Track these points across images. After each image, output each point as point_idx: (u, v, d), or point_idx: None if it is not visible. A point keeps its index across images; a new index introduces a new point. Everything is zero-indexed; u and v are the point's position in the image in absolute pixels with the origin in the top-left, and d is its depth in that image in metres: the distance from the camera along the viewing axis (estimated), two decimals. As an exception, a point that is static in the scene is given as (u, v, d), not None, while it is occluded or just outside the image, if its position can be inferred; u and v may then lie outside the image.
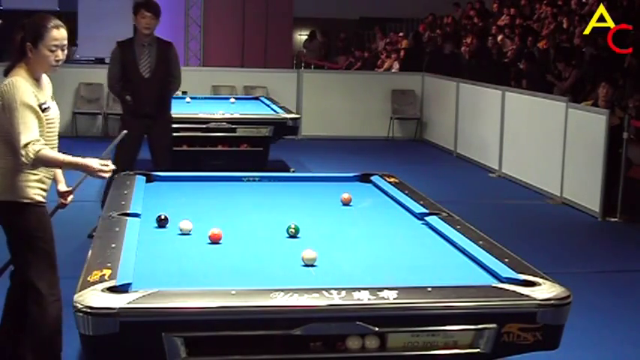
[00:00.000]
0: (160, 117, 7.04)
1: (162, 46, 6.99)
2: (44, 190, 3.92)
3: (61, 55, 3.84)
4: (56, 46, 3.80)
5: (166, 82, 7.04)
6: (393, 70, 15.27)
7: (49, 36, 3.78)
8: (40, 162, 3.72)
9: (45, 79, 3.98)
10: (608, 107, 8.18)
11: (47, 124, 3.83)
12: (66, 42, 3.86)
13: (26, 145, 3.65)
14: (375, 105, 13.25)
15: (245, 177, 5.20)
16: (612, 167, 8.10)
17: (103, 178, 3.90)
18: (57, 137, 3.96)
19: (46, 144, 3.73)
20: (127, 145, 6.79)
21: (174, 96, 10.61)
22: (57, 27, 3.81)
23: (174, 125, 8.19)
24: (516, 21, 14.97)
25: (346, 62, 18.38)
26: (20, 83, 3.74)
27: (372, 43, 19.90)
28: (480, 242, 3.60)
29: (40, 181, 3.88)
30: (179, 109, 9.03)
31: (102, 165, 3.80)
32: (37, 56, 3.79)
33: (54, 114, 3.91)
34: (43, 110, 3.80)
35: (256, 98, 10.82)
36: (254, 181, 5.15)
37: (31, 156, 3.64)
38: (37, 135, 3.69)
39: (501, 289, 3.02)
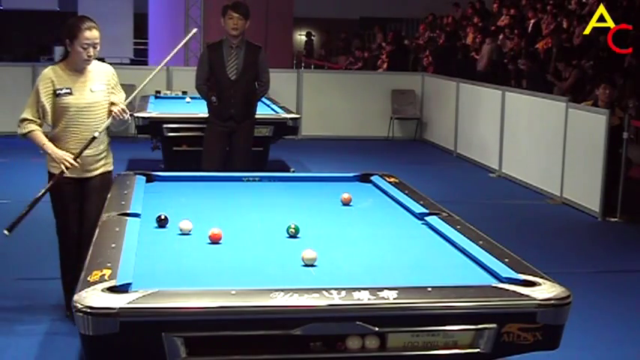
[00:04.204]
0: (244, 120, 6.99)
1: (251, 48, 6.94)
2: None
3: (92, 52, 4.63)
4: (87, 44, 4.59)
5: (253, 85, 7.01)
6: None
7: (82, 36, 4.59)
8: (30, 141, 4.68)
9: (97, 68, 4.79)
10: (608, 108, 8.18)
11: (61, 107, 4.66)
12: (97, 41, 4.65)
13: (21, 120, 4.67)
14: (375, 105, 13.24)
15: (245, 177, 5.20)
16: (612, 167, 8.10)
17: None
18: (81, 120, 4.69)
19: (66, 125, 4.66)
20: (213, 146, 6.88)
21: (175, 95, 10.72)
22: (89, 28, 4.61)
23: (175, 125, 8.21)
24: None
25: (346, 62, 18.39)
26: (43, 72, 4.72)
27: (372, 43, 19.91)
28: (480, 242, 3.60)
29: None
30: (179, 109, 9.05)
31: (64, 160, 4.59)
32: (74, 51, 4.64)
33: (73, 101, 4.66)
34: (57, 95, 4.65)
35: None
36: (254, 181, 5.15)
37: (21, 131, 4.67)
38: (32, 116, 4.65)
39: (501, 289, 3.02)
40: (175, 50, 5.08)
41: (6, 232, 4.56)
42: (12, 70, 12.67)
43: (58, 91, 4.67)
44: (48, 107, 4.67)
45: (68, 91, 4.68)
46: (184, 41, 5.28)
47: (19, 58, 17.61)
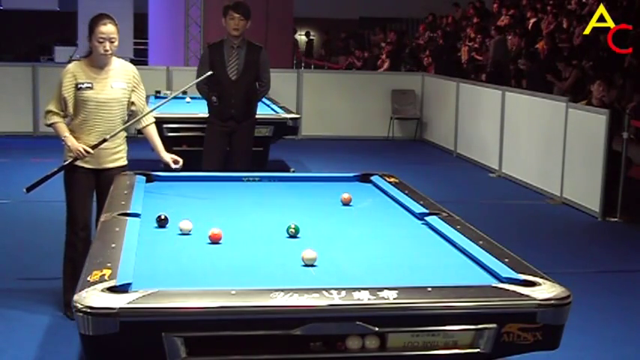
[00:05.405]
0: (244, 120, 7.00)
1: (252, 48, 6.94)
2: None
3: (109, 46, 4.84)
4: (103, 38, 4.82)
5: (254, 85, 7.01)
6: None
7: (98, 30, 4.83)
8: (53, 130, 4.98)
9: (120, 67, 5.02)
10: (603, 106, 8.18)
11: (81, 100, 4.91)
12: (113, 35, 4.85)
13: (46, 112, 4.99)
14: (375, 105, 13.25)
15: (245, 177, 5.20)
16: (612, 167, 8.10)
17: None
18: (100, 114, 4.93)
19: (85, 118, 4.92)
20: (213, 146, 6.90)
21: (176, 96, 10.70)
22: (104, 23, 4.85)
23: (175, 125, 8.21)
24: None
25: (346, 62, 18.40)
26: (67, 67, 4.99)
27: (372, 43, 19.91)
28: (480, 242, 3.60)
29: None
30: (179, 109, 9.05)
31: (79, 150, 4.87)
32: (92, 47, 4.89)
33: (93, 95, 4.90)
34: (78, 89, 4.90)
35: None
36: (254, 181, 5.15)
37: (46, 122, 4.99)
38: (56, 107, 4.93)
39: (501, 289, 3.01)
40: (190, 84, 6.10)
41: (25, 190, 4.92)
42: (12, 70, 12.67)
43: (79, 85, 4.93)
44: (69, 100, 4.95)
45: (89, 85, 4.94)
46: (201, 79, 6.05)
47: (19, 58, 17.60)
